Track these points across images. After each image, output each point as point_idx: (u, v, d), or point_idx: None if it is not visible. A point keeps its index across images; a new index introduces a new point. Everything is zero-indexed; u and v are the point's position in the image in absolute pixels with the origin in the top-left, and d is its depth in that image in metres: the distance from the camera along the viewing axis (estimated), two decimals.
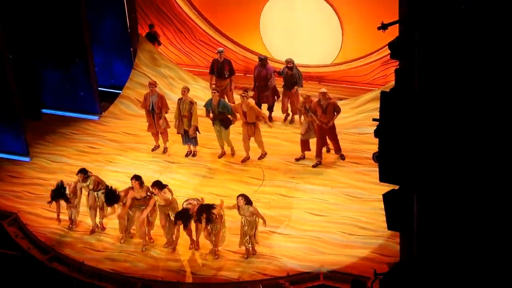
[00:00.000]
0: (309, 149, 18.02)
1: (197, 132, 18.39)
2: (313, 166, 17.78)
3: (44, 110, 20.69)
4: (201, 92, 20.93)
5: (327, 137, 17.86)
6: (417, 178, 9.72)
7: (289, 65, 19.28)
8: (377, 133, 10.11)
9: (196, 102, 18.32)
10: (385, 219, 11.10)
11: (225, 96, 19.94)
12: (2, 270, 15.66)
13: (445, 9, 8.78)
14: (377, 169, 10.69)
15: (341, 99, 20.47)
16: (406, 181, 9.99)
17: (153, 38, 22.66)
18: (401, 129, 9.60)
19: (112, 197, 15.74)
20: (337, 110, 17.53)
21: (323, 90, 17.66)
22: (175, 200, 15.51)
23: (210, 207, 14.85)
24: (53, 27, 20.10)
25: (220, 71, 20.05)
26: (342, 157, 18.03)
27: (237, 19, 22.64)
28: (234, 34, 22.78)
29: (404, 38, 9.67)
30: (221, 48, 20.59)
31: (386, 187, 10.95)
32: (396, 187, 10.73)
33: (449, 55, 8.95)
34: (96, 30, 21.24)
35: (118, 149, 19.32)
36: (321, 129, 17.62)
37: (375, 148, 11.18)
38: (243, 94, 17.78)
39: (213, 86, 19.74)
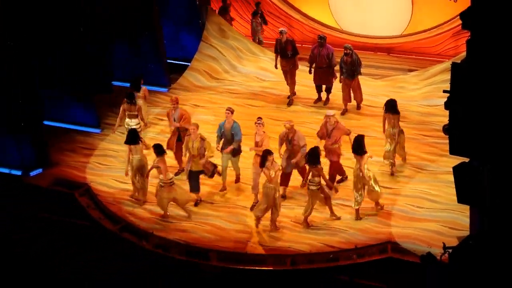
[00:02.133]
0: (287, 185, 16.04)
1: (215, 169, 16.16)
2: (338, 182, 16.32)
3: (114, 83, 20.90)
4: (270, 64, 20.90)
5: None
6: (488, 151, 9.57)
7: (347, 51, 18.56)
8: (447, 105, 9.98)
9: (206, 139, 16.07)
10: (454, 192, 10.97)
11: (288, 77, 19.77)
12: (74, 239, 15.97)
13: None
14: (447, 141, 10.58)
15: (411, 70, 20.27)
16: (477, 153, 9.85)
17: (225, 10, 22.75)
18: (473, 101, 9.44)
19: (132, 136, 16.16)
20: (347, 133, 16.07)
21: (330, 112, 16.27)
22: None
23: None
24: (123, 3, 20.29)
25: (283, 51, 19.56)
26: (339, 183, 16.20)
27: None
28: (302, 5, 22.65)
29: (476, 8, 9.47)
30: (282, 28, 20.07)
31: (456, 160, 10.81)
32: (466, 159, 10.58)
33: None
34: (165, 3, 21.38)
35: None
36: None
37: (444, 120, 11.03)
38: (258, 122, 15.99)
39: (277, 66, 19.78)
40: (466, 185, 10.40)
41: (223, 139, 16.35)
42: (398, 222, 15.05)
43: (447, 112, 10.41)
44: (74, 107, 19.29)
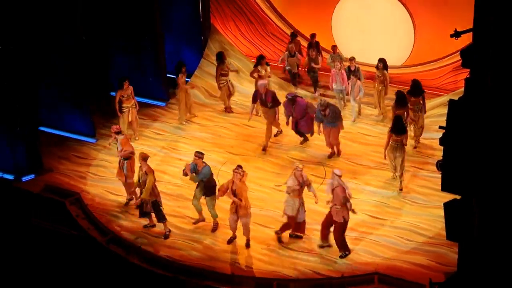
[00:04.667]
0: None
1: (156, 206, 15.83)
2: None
3: (112, 93, 20.89)
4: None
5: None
6: (480, 190, 9.55)
7: (322, 108, 17.92)
8: (442, 142, 9.97)
9: (153, 172, 15.66)
10: (444, 227, 10.96)
11: (270, 126, 18.89)
12: (61, 248, 15.92)
13: None
14: (440, 176, 10.57)
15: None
16: (468, 192, 9.83)
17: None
18: (468, 139, 9.43)
19: None
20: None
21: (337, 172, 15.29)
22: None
23: None
24: (126, 12, 20.34)
25: (263, 102, 18.72)
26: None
27: (310, 14, 22.57)
28: (305, 30, 22.70)
29: (477, 47, 9.49)
30: (262, 82, 19.04)
31: (448, 195, 10.81)
32: (458, 196, 10.58)
33: None
34: (169, 18, 21.43)
35: (182, 137, 19.46)
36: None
37: (439, 154, 11.04)
38: (236, 170, 15.11)
39: (253, 115, 19.05)
40: (456, 223, 10.39)
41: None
42: (386, 253, 15.03)
43: (442, 147, 10.43)
44: (71, 115, 19.28)
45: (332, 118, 18.00)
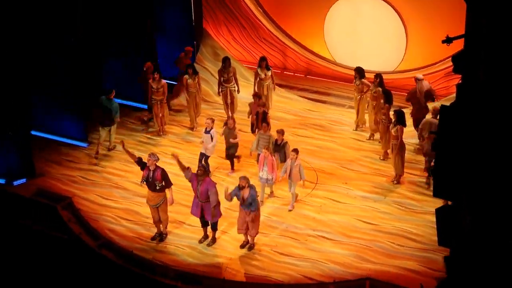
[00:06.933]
0: None
1: None
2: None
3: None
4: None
5: None
6: (472, 196, 9.58)
7: (242, 184, 14.74)
8: (434, 147, 10.02)
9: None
10: (436, 232, 10.99)
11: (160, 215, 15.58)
12: (52, 252, 15.89)
13: None
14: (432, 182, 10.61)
15: (401, 107, 20.31)
16: (460, 198, 9.87)
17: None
18: (459, 145, 9.47)
19: None
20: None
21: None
22: None
23: None
24: (118, 17, 20.33)
25: (151, 181, 15.20)
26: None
27: (302, 20, 22.60)
28: (297, 35, 22.73)
29: (468, 53, 9.53)
30: (151, 152, 15.74)
31: (440, 201, 10.85)
32: (450, 202, 10.62)
33: None
34: (161, 22, 21.43)
35: (175, 142, 19.45)
36: None
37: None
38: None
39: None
40: (447, 228, 10.42)
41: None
42: (377, 258, 15.03)
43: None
44: (63, 120, 19.25)
45: (251, 203, 14.94)
